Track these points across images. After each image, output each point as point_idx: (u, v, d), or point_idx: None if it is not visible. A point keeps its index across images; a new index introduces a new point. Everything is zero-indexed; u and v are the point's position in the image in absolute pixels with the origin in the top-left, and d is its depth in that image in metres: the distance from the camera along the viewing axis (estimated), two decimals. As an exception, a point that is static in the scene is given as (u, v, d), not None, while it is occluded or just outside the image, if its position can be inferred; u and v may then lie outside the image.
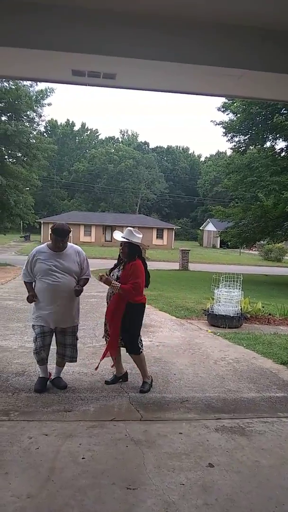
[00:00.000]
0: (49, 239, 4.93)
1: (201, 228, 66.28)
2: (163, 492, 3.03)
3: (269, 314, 9.96)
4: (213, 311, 8.90)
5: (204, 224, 64.62)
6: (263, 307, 10.22)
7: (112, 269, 5.18)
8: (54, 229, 4.74)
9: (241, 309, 9.04)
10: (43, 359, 4.86)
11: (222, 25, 3.98)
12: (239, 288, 9.15)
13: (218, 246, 57.60)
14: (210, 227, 59.50)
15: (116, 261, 5.20)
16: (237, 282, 9.27)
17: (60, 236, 4.75)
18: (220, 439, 3.89)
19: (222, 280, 9.31)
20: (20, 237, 50.45)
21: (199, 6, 3.73)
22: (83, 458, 3.42)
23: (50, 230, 4.91)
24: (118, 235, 4.97)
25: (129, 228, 5.05)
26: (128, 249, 4.89)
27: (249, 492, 3.11)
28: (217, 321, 8.71)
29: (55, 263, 4.75)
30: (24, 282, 4.94)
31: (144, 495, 2.99)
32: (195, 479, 3.22)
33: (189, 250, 27.37)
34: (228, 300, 8.87)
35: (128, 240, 4.87)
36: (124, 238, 4.89)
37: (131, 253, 4.89)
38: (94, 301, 11.20)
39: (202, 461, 3.49)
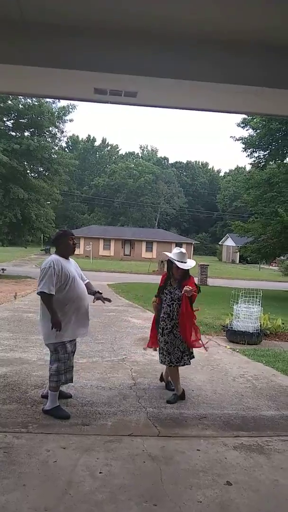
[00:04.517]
0: (58, 250, 4.77)
1: (220, 243, 65.97)
2: (180, 509, 3.01)
3: (289, 331, 9.80)
4: (232, 327, 8.83)
5: (223, 239, 64.31)
6: (283, 323, 10.07)
7: (162, 290, 5.30)
8: (64, 233, 4.82)
9: (260, 325, 8.94)
10: (70, 379, 4.75)
11: (239, 43, 4.02)
12: (259, 304, 9.06)
13: (237, 261, 57.17)
14: (229, 242, 59.20)
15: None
16: (256, 298, 9.19)
17: (72, 234, 4.84)
18: (238, 457, 3.84)
19: (241, 295, 9.25)
20: (41, 250, 50.95)
21: (217, 24, 3.78)
22: (100, 473, 3.43)
23: (57, 239, 4.79)
24: (182, 264, 5.13)
25: (182, 251, 5.25)
26: (185, 270, 5.18)
27: (268, 512, 3.06)
28: (236, 337, 8.63)
29: (73, 270, 4.71)
30: (49, 296, 4.37)
31: (161, 511, 2.97)
32: (212, 497, 3.19)
33: (208, 265, 27.21)
34: (247, 316, 8.79)
35: (191, 266, 5.23)
36: (183, 262, 5.14)
37: (187, 272, 5.23)
38: (113, 315, 11.26)
39: (220, 479, 3.45)
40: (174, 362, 5.14)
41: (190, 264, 5.19)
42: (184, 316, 5.06)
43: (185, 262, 5.14)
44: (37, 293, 4.55)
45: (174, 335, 5.10)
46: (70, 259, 4.82)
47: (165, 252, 5.70)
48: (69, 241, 4.75)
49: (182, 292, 4.97)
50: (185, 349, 5.13)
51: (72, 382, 4.82)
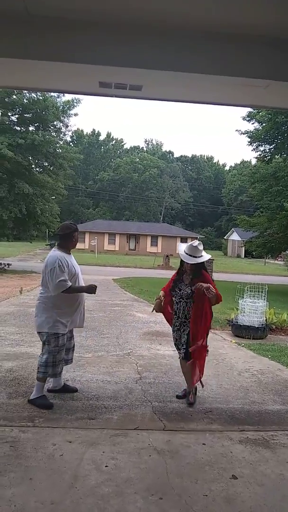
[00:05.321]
0: (64, 243, 4.79)
1: (225, 237, 65.84)
2: (186, 502, 3.02)
3: (295, 326, 9.78)
4: (237, 322, 8.82)
5: (229, 233, 64.17)
6: (288, 318, 10.07)
7: (174, 286, 5.05)
8: (76, 227, 4.87)
9: (266, 320, 8.93)
10: (59, 372, 4.78)
11: (246, 36, 4.00)
12: (264, 299, 9.04)
13: (243, 256, 57.05)
14: (234, 236, 59.06)
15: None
16: (262, 292, 9.16)
17: (78, 230, 4.89)
18: (244, 451, 3.85)
19: (247, 290, 9.22)
20: (46, 245, 50.97)
21: (222, 17, 3.75)
22: (106, 466, 3.44)
23: (70, 233, 4.79)
24: (189, 258, 4.83)
25: (193, 244, 4.89)
26: (195, 266, 4.87)
27: (273, 506, 3.07)
28: (241, 331, 8.62)
29: (77, 265, 4.81)
30: (70, 288, 4.51)
31: (167, 505, 2.99)
32: (218, 490, 3.20)
33: (213, 260, 27.14)
34: (252, 310, 8.77)
35: (199, 261, 4.86)
36: (193, 256, 4.83)
37: (198, 269, 4.90)
38: (118, 309, 11.27)
39: (226, 472, 3.46)
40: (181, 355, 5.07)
41: (198, 259, 4.83)
42: (196, 318, 4.84)
43: (195, 257, 4.83)
44: (61, 292, 4.51)
45: (182, 332, 4.96)
46: (70, 253, 4.85)
47: (178, 246, 5.34)
48: (77, 235, 4.87)
49: (200, 290, 4.65)
50: (185, 342, 4.90)
51: (57, 377, 4.83)
